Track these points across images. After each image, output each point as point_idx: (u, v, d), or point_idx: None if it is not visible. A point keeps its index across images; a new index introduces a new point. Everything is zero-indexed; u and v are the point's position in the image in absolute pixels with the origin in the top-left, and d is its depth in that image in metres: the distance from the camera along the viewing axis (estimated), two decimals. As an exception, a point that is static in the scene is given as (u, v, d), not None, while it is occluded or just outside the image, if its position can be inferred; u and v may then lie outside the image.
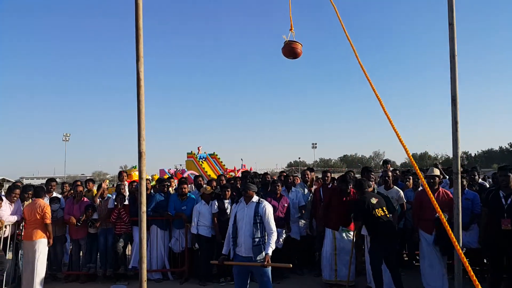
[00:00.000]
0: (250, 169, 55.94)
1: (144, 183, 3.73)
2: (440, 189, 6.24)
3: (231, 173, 48.85)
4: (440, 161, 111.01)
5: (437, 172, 6.27)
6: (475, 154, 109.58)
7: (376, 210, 5.72)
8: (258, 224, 4.53)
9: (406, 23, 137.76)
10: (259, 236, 4.51)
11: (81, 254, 7.34)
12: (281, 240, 6.74)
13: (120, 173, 9.02)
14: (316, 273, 7.13)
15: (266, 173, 8.88)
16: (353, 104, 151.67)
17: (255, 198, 4.68)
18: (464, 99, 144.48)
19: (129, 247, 7.65)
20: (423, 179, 4.80)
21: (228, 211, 6.90)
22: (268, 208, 4.63)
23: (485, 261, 6.55)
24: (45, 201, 6.77)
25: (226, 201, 7.00)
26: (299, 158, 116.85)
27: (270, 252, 4.49)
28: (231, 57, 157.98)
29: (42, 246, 6.45)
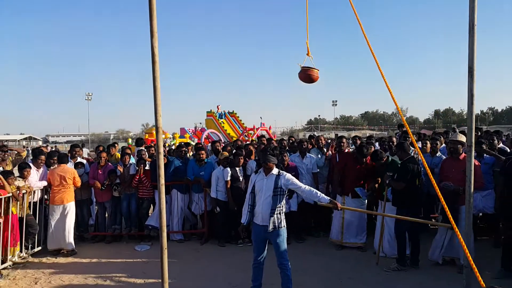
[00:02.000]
0: (270, 127, 56.07)
1: (161, 157, 3.84)
2: (463, 155, 6.09)
3: (250, 132, 49.15)
4: (465, 116, 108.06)
5: (462, 138, 6.07)
6: (502, 110, 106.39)
7: (417, 179, 5.79)
8: (278, 196, 4.62)
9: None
10: (277, 207, 4.62)
11: (106, 216, 7.72)
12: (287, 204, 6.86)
13: (139, 139, 9.24)
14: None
15: (271, 139, 8.90)
16: (373, 59, 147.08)
17: (275, 171, 4.73)
18: (493, 51, 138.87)
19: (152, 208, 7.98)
20: (414, 142, 4.77)
21: (241, 178, 7.08)
22: (288, 176, 4.72)
23: (500, 225, 6.59)
24: (70, 167, 7.08)
25: (238, 169, 7.12)
26: (319, 115, 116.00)
27: (326, 197, 4.64)
28: (251, 15, 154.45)
29: (71, 209, 6.85)
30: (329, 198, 4.65)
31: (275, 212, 4.61)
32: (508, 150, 7.42)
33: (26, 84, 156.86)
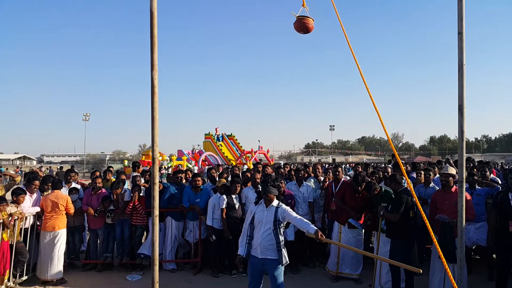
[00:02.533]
0: (267, 151, 55.99)
1: (157, 187, 3.85)
2: (455, 188, 6.16)
3: (248, 155, 49.21)
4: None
5: (452, 170, 6.13)
6: (495, 137, 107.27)
7: (411, 210, 5.79)
8: (278, 229, 4.59)
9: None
10: (276, 241, 4.58)
11: (98, 243, 7.59)
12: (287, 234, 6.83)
13: (134, 163, 9.21)
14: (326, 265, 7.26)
15: (266, 166, 8.90)
16: (371, 85, 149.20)
17: (275, 202, 4.72)
18: (486, 81, 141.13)
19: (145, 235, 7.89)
20: (405, 174, 4.77)
21: (237, 206, 7.04)
22: (285, 208, 4.71)
23: (493, 256, 6.57)
24: (64, 192, 7.03)
25: (234, 196, 7.08)
26: (317, 139, 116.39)
27: (314, 227, 4.53)
28: (250, 37, 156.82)
29: (62, 236, 6.76)
30: (315, 228, 4.61)
31: (282, 246, 4.58)
32: (500, 181, 7.47)
33: (22, 103, 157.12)
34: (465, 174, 3.98)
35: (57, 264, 6.59)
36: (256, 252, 4.65)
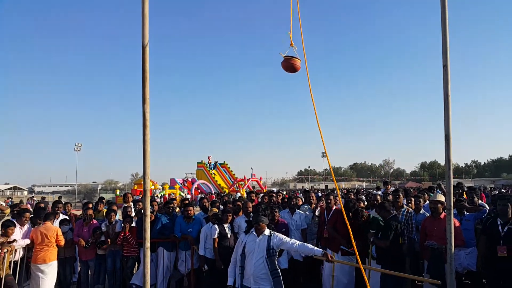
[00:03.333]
0: (260, 178, 56.03)
1: (148, 219, 3.88)
2: (444, 214, 6.25)
3: (240, 182, 49.18)
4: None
5: (441, 198, 6.24)
6: (484, 162, 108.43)
7: (401, 238, 5.86)
8: (271, 258, 4.62)
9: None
10: (270, 269, 4.61)
11: (89, 274, 7.50)
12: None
13: (125, 195, 9.25)
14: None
15: (251, 192, 8.98)
16: (362, 112, 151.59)
17: (267, 231, 4.76)
18: (474, 106, 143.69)
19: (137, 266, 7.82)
20: (340, 199, 4.88)
21: (229, 235, 7.04)
22: (280, 236, 4.77)
23: (484, 281, 6.60)
24: (55, 225, 7.00)
25: (226, 226, 7.08)
26: (309, 166, 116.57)
27: (319, 249, 4.64)
28: (239, 67, 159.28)
29: (53, 269, 6.69)
30: (322, 250, 4.66)
31: (278, 274, 4.61)
32: (487, 208, 7.58)
33: (13, 133, 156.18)
34: (452, 201, 4.06)
35: None
36: (249, 282, 4.65)
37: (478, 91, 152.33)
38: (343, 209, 6.63)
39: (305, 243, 4.82)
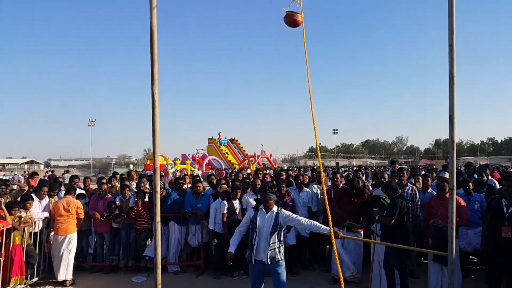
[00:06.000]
0: (270, 154, 56.16)
1: (158, 196, 4.06)
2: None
3: (251, 159, 49.43)
4: (465, 147, 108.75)
5: (448, 176, 6.27)
6: (501, 140, 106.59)
7: (406, 216, 5.98)
8: (277, 232, 4.84)
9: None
10: (276, 241, 4.84)
11: (105, 246, 7.84)
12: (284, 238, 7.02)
13: (129, 173, 9.64)
14: (326, 268, 7.44)
15: (260, 172, 9.14)
16: (374, 88, 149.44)
17: (275, 208, 4.94)
18: (494, 82, 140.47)
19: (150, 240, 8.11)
20: (322, 176, 4.90)
21: (237, 211, 7.26)
22: (287, 213, 4.96)
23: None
24: (74, 198, 7.31)
25: (235, 202, 7.29)
26: (320, 143, 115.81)
27: (327, 227, 4.80)
28: (254, 45, 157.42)
29: (74, 240, 7.04)
30: (328, 227, 4.82)
31: (275, 247, 4.82)
32: (498, 186, 7.59)
33: (29, 108, 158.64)
34: (455, 183, 4.14)
35: (68, 267, 6.88)
36: (259, 255, 4.86)
37: (498, 67, 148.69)
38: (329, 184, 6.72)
39: (313, 221, 4.98)
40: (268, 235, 4.80)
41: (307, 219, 4.98)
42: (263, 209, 4.97)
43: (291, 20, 6.02)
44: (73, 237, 7.02)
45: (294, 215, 4.98)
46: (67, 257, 6.86)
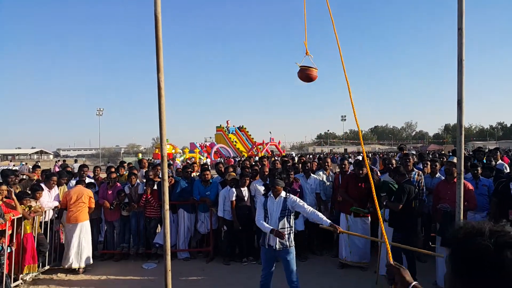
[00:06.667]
0: (279, 142, 56.11)
1: (166, 184, 4.09)
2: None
3: (259, 146, 49.43)
4: (474, 131, 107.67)
5: (456, 160, 6.25)
6: (511, 124, 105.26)
7: (414, 201, 5.98)
8: (286, 217, 4.92)
9: None
10: (287, 227, 4.93)
11: (115, 234, 7.96)
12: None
13: (140, 161, 9.71)
14: (334, 253, 7.49)
15: (265, 159, 9.18)
16: (383, 73, 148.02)
17: (283, 193, 5.02)
18: (504, 65, 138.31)
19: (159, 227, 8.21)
20: (368, 169, 4.83)
21: (246, 198, 7.30)
22: (294, 198, 5.03)
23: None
24: (85, 188, 7.41)
25: (244, 189, 7.34)
26: (328, 130, 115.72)
27: (328, 220, 4.84)
28: (262, 34, 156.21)
29: (86, 227, 7.15)
30: (330, 221, 4.86)
31: (285, 232, 4.88)
32: (507, 169, 7.53)
33: (38, 99, 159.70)
34: (462, 168, 4.11)
35: (82, 253, 6.99)
36: (270, 240, 4.96)
37: (508, 50, 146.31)
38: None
39: (316, 211, 5.01)
40: (277, 220, 4.90)
41: (312, 209, 5.03)
42: (271, 195, 5.04)
43: (305, 75, 5.97)
44: (84, 225, 7.12)
45: (301, 202, 5.04)
46: (79, 245, 6.97)
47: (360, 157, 14.40)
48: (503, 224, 1.15)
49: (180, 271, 6.76)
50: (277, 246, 4.88)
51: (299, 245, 7.34)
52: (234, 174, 7.77)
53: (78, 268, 6.94)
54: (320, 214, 4.94)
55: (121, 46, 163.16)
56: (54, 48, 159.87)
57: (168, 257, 4.04)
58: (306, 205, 5.02)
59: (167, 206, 4.06)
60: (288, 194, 5.04)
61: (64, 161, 31.51)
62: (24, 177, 8.40)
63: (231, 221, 7.31)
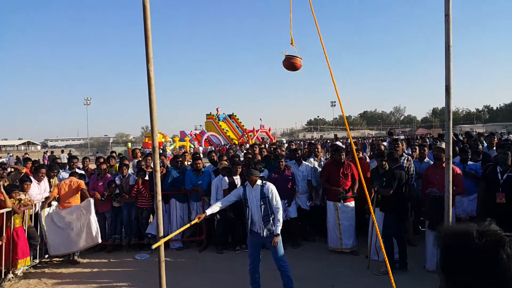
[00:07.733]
0: (269, 129, 56.16)
1: (158, 175, 4.07)
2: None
3: (250, 133, 49.46)
4: (461, 115, 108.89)
5: (444, 146, 6.34)
6: (497, 107, 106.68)
7: (404, 187, 6.06)
8: (266, 205, 5.02)
9: None
10: (267, 213, 5.02)
11: (106, 225, 7.91)
12: (285, 212, 7.12)
13: (134, 150, 9.62)
14: (326, 240, 7.56)
15: (256, 146, 9.21)
16: (371, 58, 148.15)
17: (259, 181, 5.11)
18: (489, 48, 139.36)
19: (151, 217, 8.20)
20: (356, 157, 4.96)
21: (238, 186, 7.31)
22: (271, 188, 5.11)
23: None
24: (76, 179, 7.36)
25: (236, 178, 7.34)
26: (318, 116, 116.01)
27: (278, 231, 5.00)
28: (249, 19, 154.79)
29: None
30: (278, 232, 5.01)
31: (269, 219, 5.00)
32: (492, 155, 7.65)
33: (24, 89, 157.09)
34: (451, 153, 4.16)
35: (89, 232, 6.90)
36: (254, 227, 5.10)
37: (493, 34, 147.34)
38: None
39: (279, 213, 5.05)
40: (258, 208, 5.01)
41: (279, 207, 5.06)
42: (249, 184, 5.16)
43: (289, 64, 6.12)
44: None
45: (274, 194, 5.09)
46: (83, 226, 6.92)
47: (339, 142, 14.45)
48: (487, 224, 1.17)
49: (173, 260, 6.79)
50: (264, 233, 4.97)
51: (292, 232, 7.43)
52: (226, 163, 7.75)
53: (70, 260, 6.91)
54: (280, 218, 5.04)
55: (107, 33, 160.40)
56: (40, 37, 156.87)
57: (162, 247, 4.05)
58: (276, 200, 5.06)
59: (159, 197, 4.04)
60: (264, 182, 5.17)
61: (52, 152, 31.18)
62: (12, 170, 8.29)
63: (224, 210, 7.30)
